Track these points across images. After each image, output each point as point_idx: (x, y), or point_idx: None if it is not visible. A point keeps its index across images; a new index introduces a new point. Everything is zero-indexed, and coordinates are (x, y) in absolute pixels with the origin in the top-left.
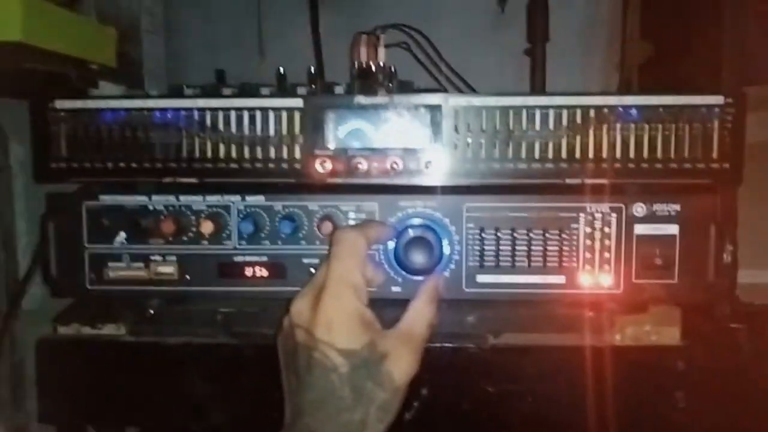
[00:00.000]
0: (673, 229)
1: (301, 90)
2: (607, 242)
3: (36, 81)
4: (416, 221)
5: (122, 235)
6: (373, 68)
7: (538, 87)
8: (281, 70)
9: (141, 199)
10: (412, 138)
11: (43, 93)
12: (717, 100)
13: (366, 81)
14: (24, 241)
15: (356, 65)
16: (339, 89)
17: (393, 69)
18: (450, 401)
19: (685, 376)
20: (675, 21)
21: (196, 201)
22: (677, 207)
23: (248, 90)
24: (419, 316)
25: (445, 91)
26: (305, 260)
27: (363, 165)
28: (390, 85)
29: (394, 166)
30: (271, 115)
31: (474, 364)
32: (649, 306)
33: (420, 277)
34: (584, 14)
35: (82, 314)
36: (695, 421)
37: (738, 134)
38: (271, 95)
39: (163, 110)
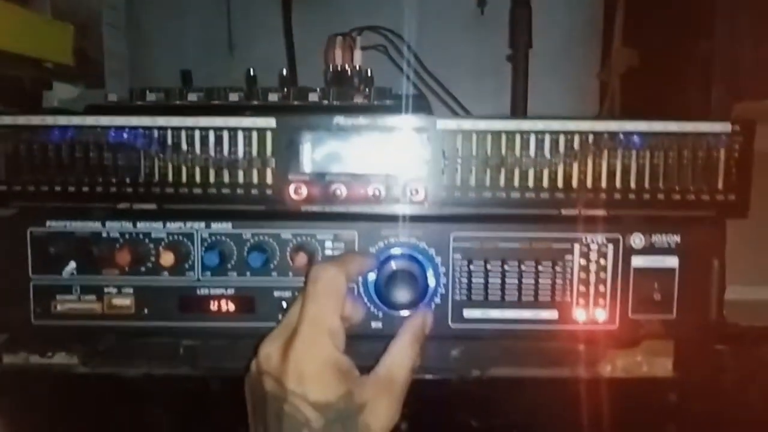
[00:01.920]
0: (672, 261)
1: (273, 96)
2: (602, 275)
3: None
4: (399, 252)
5: (72, 265)
6: (349, 72)
7: (519, 94)
8: (251, 71)
9: (93, 225)
10: (397, 163)
11: None
12: (724, 127)
13: (341, 85)
14: None
15: (331, 68)
16: (313, 96)
17: (369, 73)
18: None
19: (677, 408)
20: (661, 29)
21: (155, 228)
22: (677, 238)
23: (216, 94)
24: (400, 358)
25: (423, 96)
26: (276, 293)
27: (342, 191)
28: (367, 90)
29: (376, 193)
30: (240, 135)
31: (457, 397)
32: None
33: (403, 312)
34: (567, 20)
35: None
36: None
37: (745, 164)
38: (240, 101)
39: (119, 128)
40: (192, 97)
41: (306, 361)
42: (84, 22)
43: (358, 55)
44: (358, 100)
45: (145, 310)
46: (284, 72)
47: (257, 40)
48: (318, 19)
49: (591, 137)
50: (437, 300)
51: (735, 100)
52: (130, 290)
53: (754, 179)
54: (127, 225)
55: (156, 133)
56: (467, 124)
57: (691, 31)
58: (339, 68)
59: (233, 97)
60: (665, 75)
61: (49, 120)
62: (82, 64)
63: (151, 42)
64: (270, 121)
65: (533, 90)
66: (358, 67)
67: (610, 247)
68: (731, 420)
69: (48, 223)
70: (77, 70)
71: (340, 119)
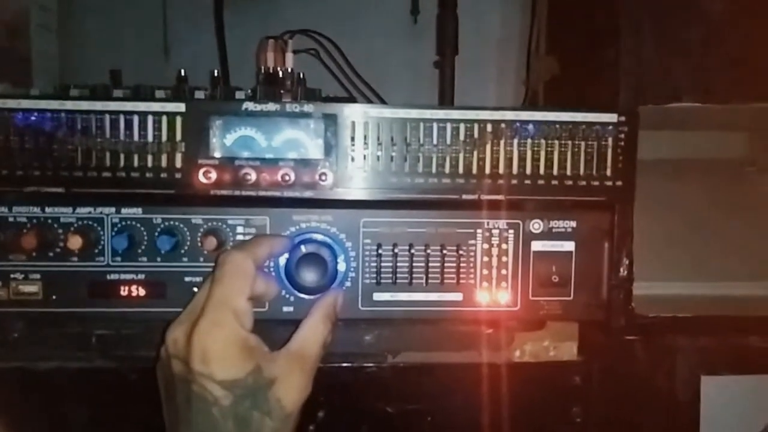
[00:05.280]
0: (569, 245)
1: (199, 93)
2: (504, 259)
3: None
4: (310, 237)
5: None
6: (280, 74)
7: (446, 100)
8: (183, 72)
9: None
10: (306, 149)
11: None
12: (611, 118)
13: (271, 87)
14: None
15: (263, 70)
16: (240, 94)
17: (301, 75)
18: (348, 423)
19: (583, 390)
20: (578, 38)
21: (64, 213)
22: (573, 224)
23: (142, 92)
24: (312, 333)
25: (353, 99)
26: (187, 278)
27: (252, 176)
28: (297, 91)
29: (286, 177)
30: (150, 119)
31: (372, 384)
32: (546, 322)
33: (314, 296)
34: (495, 29)
35: None
36: None
37: (630, 152)
38: (166, 98)
39: (27, 111)
40: (118, 94)
41: (210, 341)
42: (12, 21)
43: (289, 58)
44: (287, 100)
45: (54, 297)
46: (216, 73)
47: (193, 43)
48: (252, 23)
49: (489, 126)
50: (348, 284)
51: (640, 104)
52: (38, 276)
53: (661, 183)
54: (35, 209)
55: (64, 116)
56: (374, 111)
57: (600, 40)
58: (271, 70)
59: (160, 94)
60: (581, 82)
61: None
62: (9, 63)
63: (85, 44)
64: (179, 106)
65: (462, 97)
66: (289, 70)
67: (511, 232)
68: (635, 401)
69: None
70: (3, 68)
71: (249, 104)
